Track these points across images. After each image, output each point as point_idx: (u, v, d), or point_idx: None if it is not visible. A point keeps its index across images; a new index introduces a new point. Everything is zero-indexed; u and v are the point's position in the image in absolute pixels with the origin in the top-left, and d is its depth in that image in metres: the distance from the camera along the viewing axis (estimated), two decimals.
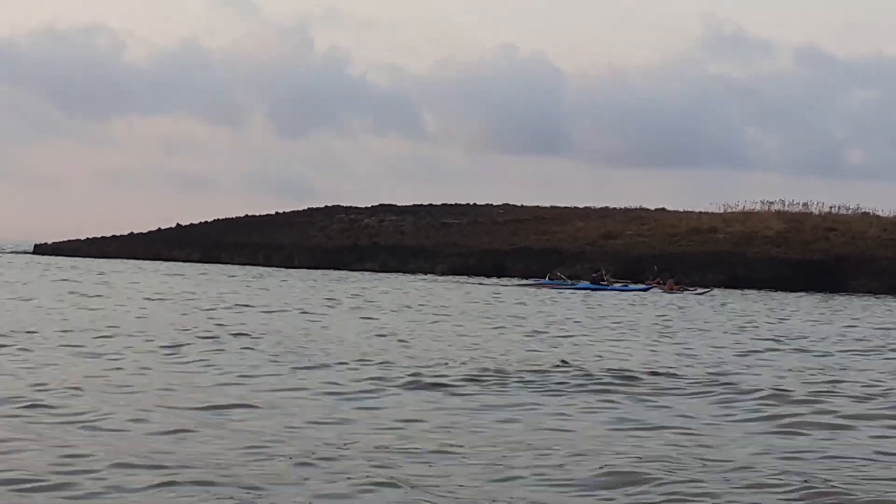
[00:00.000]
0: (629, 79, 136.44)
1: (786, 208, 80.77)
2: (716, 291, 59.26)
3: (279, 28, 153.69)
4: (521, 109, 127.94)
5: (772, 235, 75.97)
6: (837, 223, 77.67)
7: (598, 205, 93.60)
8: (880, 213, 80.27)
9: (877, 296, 61.75)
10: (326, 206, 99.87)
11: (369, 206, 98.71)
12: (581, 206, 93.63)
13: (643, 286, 59.10)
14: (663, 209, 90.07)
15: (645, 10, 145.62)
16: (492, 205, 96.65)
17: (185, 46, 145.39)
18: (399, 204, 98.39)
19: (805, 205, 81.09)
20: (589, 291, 56.05)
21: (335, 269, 79.70)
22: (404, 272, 76.84)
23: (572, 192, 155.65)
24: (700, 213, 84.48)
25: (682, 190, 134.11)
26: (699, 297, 54.34)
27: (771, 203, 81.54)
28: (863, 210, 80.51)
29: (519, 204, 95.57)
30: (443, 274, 75.95)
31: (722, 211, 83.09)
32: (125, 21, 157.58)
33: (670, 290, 57.19)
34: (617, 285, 59.03)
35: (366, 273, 75.08)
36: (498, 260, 78.81)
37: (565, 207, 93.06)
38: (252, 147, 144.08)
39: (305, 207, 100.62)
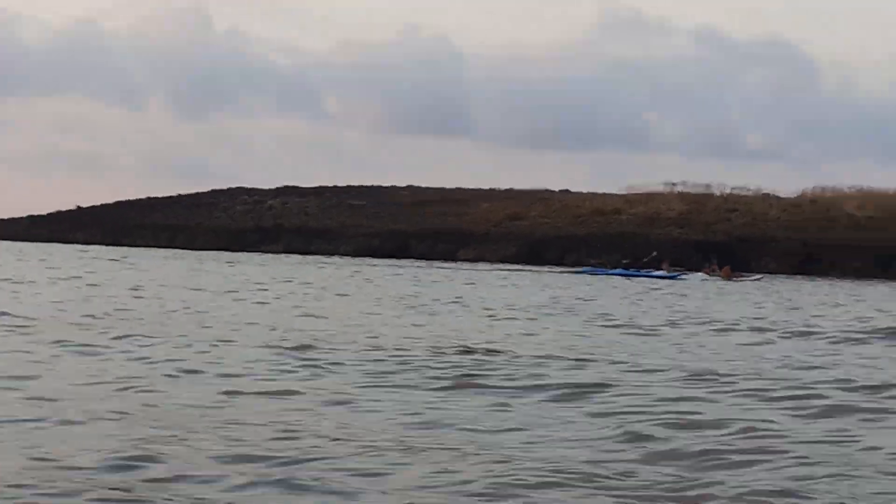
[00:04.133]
0: (530, 60, 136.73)
1: (688, 190, 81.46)
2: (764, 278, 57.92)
3: (177, 8, 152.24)
4: (423, 90, 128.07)
5: (674, 216, 76.80)
6: (739, 204, 78.47)
7: (503, 186, 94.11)
8: (780, 195, 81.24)
9: (775, 276, 62.37)
10: (230, 188, 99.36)
11: (273, 187, 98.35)
12: (486, 187, 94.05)
13: (673, 273, 56.99)
14: (567, 191, 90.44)
15: None
16: (397, 186, 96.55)
17: (82, 27, 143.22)
18: (303, 185, 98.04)
19: (707, 186, 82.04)
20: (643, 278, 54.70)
21: (240, 250, 79.00)
22: (308, 253, 76.45)
23: (477, 173, 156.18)
24: (604, 194, 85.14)
25: (585, 171, 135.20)
26: (754, 283, 53.01)
27: (673, 184, 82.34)
28: (763, 191, 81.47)
29: (424, 185, 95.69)
30: (346, 255, 75.62)
31: (625, 192, 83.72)
32: (19, 1, 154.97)
33: (727, 278, 55.43)
34: (662, 271, 57.34)
35: (280, 255, 74.19)
36: (403, 241, 79.07)
37: (469, 189, 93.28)
38: (152, 129, 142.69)
39: (209, 189, 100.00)
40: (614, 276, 55.67)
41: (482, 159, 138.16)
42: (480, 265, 67.73)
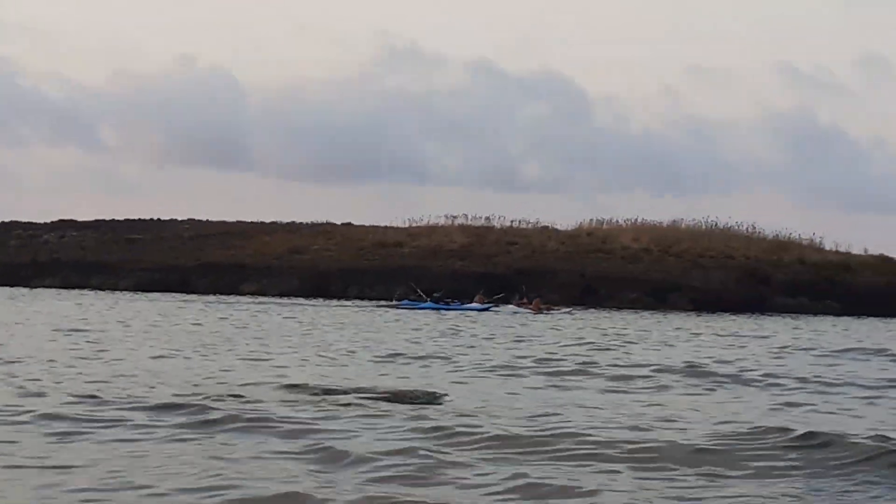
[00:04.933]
0: (309, 93, 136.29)
1: (469, 222, 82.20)
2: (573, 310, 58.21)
3: None
4: (202, 122, 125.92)
5: (456, 249, 77.18)
6: (518, 237, 79.49)
7: (285, 219, 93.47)
8: (558, 227, 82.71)
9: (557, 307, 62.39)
10: (3, 222, 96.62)
11: (49, 221, 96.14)
12: (268, 220, 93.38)
13: (481, 305, 57.22)
14: (350, 223, 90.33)
15: (318, 24, 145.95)
16: (176, 220, 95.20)
17: None
18: (80, 219, 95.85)
19: (487, 219, 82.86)
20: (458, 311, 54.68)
21: (13, 285, 76.95)
22: (87, 288, 74.78)
23: (258, 206, 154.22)
24: (386, 227, 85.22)
25: (367, 204, 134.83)
26: (566, 315, 53.08)
27: (455, 217, 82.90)
28: (542, 224, 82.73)
29: (204, 219, 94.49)
30: (126, 290, 74.11)
31: (407, 225, 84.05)
32: None
33: (537, 311, 55.30)
34: (475, 304, 57.54)
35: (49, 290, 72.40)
36: (184, 276, 77.81)
37: (251, 222, 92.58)
38: None
39: None
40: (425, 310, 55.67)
41: (263, 192, 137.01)
42: (263, 299, 66.98)
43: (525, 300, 58.81)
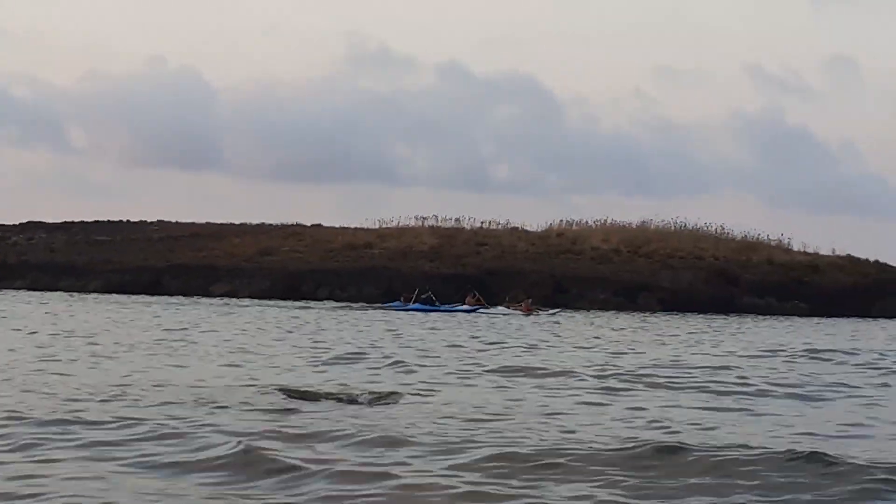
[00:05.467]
0: (279, 94, 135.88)
1: (439, 223, 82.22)
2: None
3: None
4: (172, 123, 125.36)
5: (425, 250, 77.23)
6: (488, 238, 79.60)
7: (255, 221, 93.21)
8: (528, 228, 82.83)
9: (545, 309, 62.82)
10: None
11: (17, 223, 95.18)
12: (237, 222, 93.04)
13: (471, 307, 58.38)
14: (319, 225, 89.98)
15: (288, 26, 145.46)
16: (146, 221, 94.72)
17: None
18: (49, 221, 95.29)
19: (457, 220, 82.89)
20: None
21: None
22: (54, 290, 73.90)
23: (228, 208, 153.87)
24: (356, 228, 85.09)
25: (337, 205, 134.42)
26: (551, 317, 54.09)
27: (425, 218, 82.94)
28: (512, 225, 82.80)
29: (174, 220, 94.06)
30: (95, 291, 73.79)
31: (377, 226, 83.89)
32: None
33: (527, 313, 56.46)
34: (465, 306, 58.90)
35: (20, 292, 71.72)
36: (154, 277, 77.48)
37: (221, 224, 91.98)
38: None
39: None
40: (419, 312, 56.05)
41: (233, 194, 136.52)
42: (240, 300, 66.88)
43: (515, 302, 59.70)
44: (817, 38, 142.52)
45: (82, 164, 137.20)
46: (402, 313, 53.77)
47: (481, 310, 57.83)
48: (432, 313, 55.13)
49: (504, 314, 56.11)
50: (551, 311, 57.75)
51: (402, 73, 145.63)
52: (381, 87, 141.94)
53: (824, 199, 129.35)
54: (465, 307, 58.56)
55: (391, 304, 60.50)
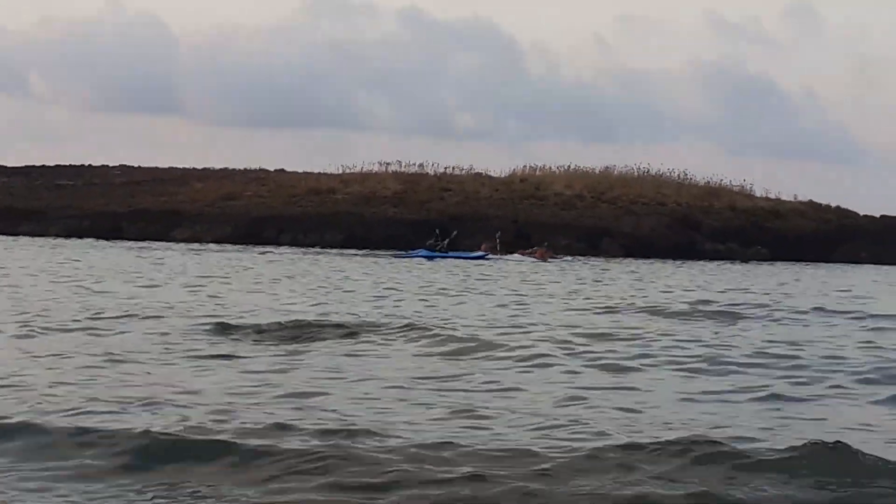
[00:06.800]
0: (240, 40, 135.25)
1: (402, 169, 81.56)
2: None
3: None
4: (132, 68, 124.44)
5: (389, 196, 76.79)
6: (452, 183, 79.13)
7: (218, 166, 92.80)
8: (492, 174, 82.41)
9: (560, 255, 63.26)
10: None
11: None
12: (200, 167, 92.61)
13: (478, 254, 58.87)
14: (283, 170, 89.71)
15: None
16: (107, 166, 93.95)
17: None
18: (9, 165, 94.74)
19: (421, 165, 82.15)
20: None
21: None
22: (15, 235, 73.24)
23: (191, 153, 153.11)
24: (319, 173, 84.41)
25: (300, 151, 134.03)
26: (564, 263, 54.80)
27: (388, 164, 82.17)
28: (476, 171, 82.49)
29: (136, 165, 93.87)
30: (57, 236, 73.00)
31: (341, 172, 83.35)
32: None
33: (542, 259, 56.99)
34: (479, 252, 59.34)
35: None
36: (115, 222, 76.77)
37: (184, 168, 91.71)
38: None
39: None
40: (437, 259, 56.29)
41: (195, 139, 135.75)
42: (196, 245, 66.36)
43: (531, 249, 60.39)
44: None
45: (42, 109, 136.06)
46: (404, 260, 53.53)
47: (489, 256, 57.89)
48: (441, 260, 54.98)
49: (520, 261, 56.14)
50: (566, 258, 58.73)
51: (363, 20, 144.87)
52: (342, 33, 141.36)
53: (786, 147, 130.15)
54: (476, 254, 58.56)
55: (414, 252, 60.14)
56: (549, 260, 56.74)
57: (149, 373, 12.33)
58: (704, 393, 12.05)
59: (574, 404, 11.01)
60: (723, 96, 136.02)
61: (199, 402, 10.44)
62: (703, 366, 14.24)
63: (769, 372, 13.77)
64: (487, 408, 10.55)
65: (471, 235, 68.06)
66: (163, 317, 18.63)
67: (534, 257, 57.78)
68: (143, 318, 18.42)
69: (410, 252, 59.49)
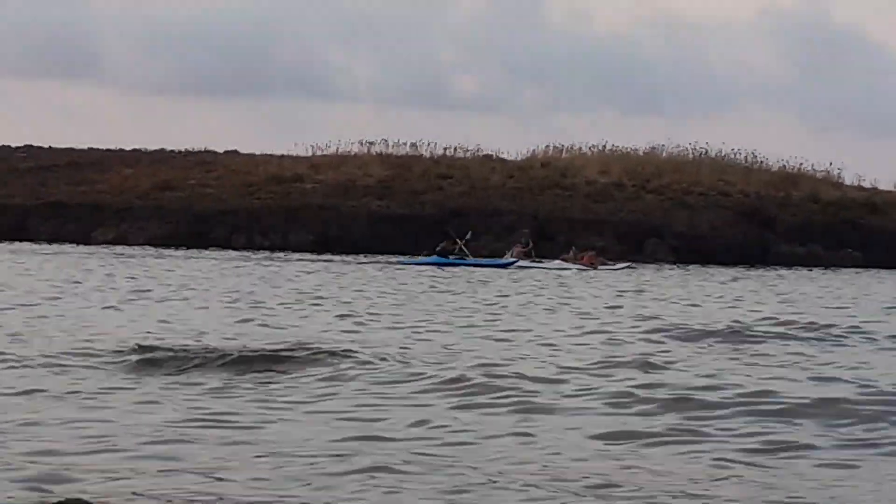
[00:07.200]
0: None
1: (389, 150, 75.02)
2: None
3: None
4: (40, 23, 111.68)
5: (372, 184, 70.98)
6: (453, 168, 73.14)
7: (151, 146, 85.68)
8: (504, 156, 76.22)
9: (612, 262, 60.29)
10: None
11: None
12: (129, 147, 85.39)
13: (506, 261, 55.07)
14: (235, 151, 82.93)
15: None
16: (10, 147, 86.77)
17: None
18: None
19: (413, 145, 75.30)
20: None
21: None
22: None
23: (116, 129, 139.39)
24: (282, 156, 77.46)
25: (256, 126, 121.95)
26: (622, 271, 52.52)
27: (371, 143, 75.24)
28: (484, 152, 75.79)
29: (46, 145, 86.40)
30: None
31: (310, 154, 76.53)
32: None
33: (591, 265, 53.68)
34: (508, 259, 55.63)
35: None
36: (20, 218, 71.17)
37: (107, 150, 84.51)
38: None
39: None
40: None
41: (120, 111, 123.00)
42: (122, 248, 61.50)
43: (574, 253, 56.85)
44: None
45: None
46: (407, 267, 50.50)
47: (520, 263, 53.44)
48: (451, 268, 51.18)
49: (561, 269, 52.19)
50: (622, 265, 55.21)
51: None
52: None
53: (884, 119, 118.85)
54: (505, 260, 54.39)
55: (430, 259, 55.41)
56: (600, 267, 53.30)
57: None
58: None
59: None
60: (802, 54, 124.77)
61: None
62: None
63: None
64: None
65: (478, 236, 62.75)
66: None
67: (580, 264, 53.71)
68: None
69: (420, 258, 55.40)
